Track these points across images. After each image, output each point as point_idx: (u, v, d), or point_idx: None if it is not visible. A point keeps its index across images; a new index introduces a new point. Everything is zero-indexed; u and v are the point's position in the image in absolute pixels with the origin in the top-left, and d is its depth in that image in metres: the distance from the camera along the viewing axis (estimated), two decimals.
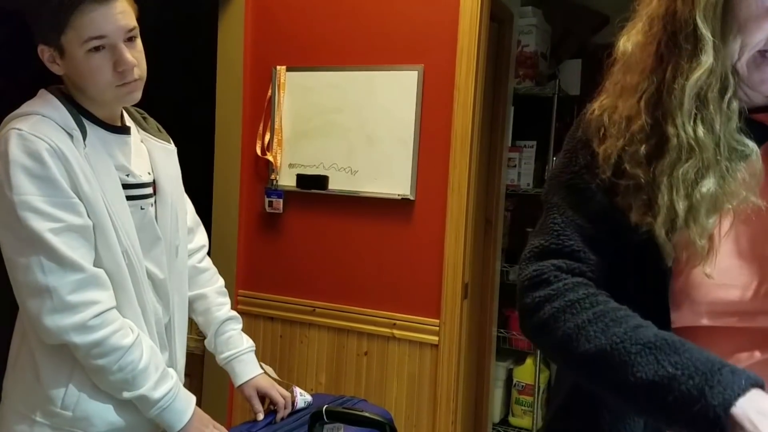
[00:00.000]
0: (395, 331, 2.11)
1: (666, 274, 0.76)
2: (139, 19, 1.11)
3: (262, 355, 2.32)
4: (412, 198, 2.06)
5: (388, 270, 2.12)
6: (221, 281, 1.45)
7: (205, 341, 1.39)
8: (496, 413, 2.85)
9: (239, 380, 1.36)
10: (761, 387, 0.62)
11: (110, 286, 1.07)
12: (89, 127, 1.09)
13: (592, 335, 0.72)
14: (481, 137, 2.16)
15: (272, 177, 2.23)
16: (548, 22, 2.89)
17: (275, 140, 2.21)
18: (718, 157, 0.72)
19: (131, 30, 1.07)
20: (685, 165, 0.72)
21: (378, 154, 2.08)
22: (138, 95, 1.13)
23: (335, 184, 2.15)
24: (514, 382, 2.85)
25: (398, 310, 2.11)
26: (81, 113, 1.09)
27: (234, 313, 1.41)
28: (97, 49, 1.04)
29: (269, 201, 2.24)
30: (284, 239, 2.27)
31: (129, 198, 1.12)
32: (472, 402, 2.66)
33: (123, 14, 1.06)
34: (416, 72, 2.02)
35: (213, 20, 2.29)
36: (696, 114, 0.72)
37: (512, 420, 2.86)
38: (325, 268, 2.21)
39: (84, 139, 1.06)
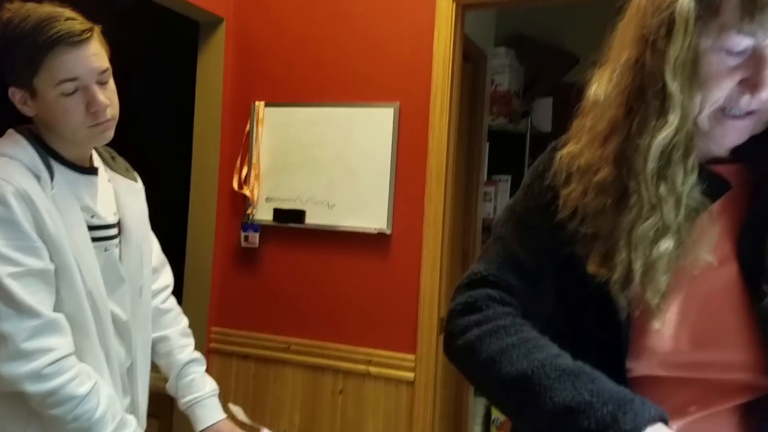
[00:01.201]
0: (371, 368, 2.08)
1: (619, 327, 0.76)
2: (111, 59, 1.12)
3: (234, 395, 2.27)
4: (388, 232, 2.06)
5: (364, 305, 2.11)
6: (185, 321, 1.42)
7: (167, 385, 1.36)
8: None
9: (200, 426, 1.32)
10: (666, 422, 0.65)
11: (69, 332, 1.05)
12: (57, 168, 1.09)
13: (515, 359, 0.73)
14: (456, 172, 2.20)
15: (249, 211, 2.22)
16: (521, 63, 2.98)
17: (253, 174, 2.21)
18: (678, 217, 0.72)
19: (104, 71, 1.08)
20: (645, 224, 0.72)
21: (355, 188, 2.10)
22: (110, 134, 1.13)
23: (312, 219, 2.15)
24: (493, 418, 2.83)
25: (374, 346, 2.09)
26: (49, 154, 1.09)
27: (197, 354, 1.38)
28: (69, 91, 1.05)
29: (245, 235, 2.22)
30: (260, 274, 2.24)
31: (94, 239, 1.11)
32: None
33: (95, 56, 1.07)
34: (392, 109, 2.06)
35: (193, 56, 2.31)
36: (659, 173, 0.71)
37: None
38: (301, 303, 2.19)
39: (51, 180, 1.06)
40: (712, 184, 0.75)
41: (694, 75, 0.70)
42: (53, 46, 1.02)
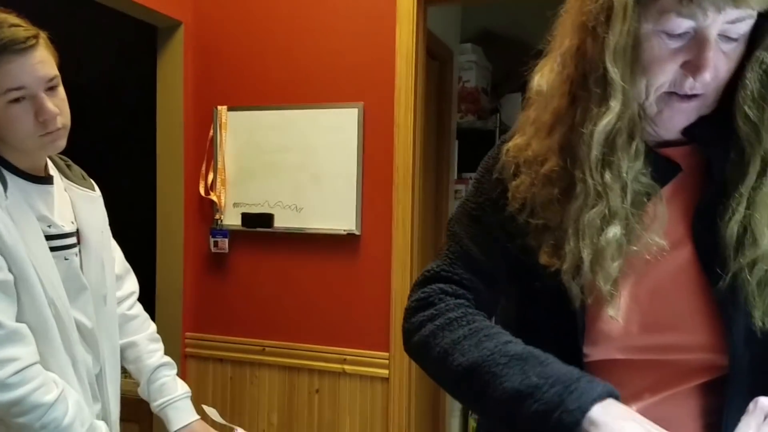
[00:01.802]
0: (346, 367, 2.10)
1: (574, 314, 0.77)
2: (60, 66, 1.10)
3: (213, 398, 2.28)
4: (357, 233, 2.08)
5: (336, 305, 2.12)
6: (153, 327, 1.42)
7: (138, 389, 1.36)
8: None
9: (173, 427, 1.33)
10: (616, 397, 0.66)
11: (32, 341, 1.05)
12: (9, 178, 1.08)
13: (466, 349, 0.75)
14: (425, 171, 2.22)
15: (217, 217, 2.22)
16: (488, 59, 3.01)
17: (219, 180, 2.21)
18: (624, 203, 0.72)
19: (52, 79, 1.07)
20: (591, 211, 0.72)
21: (322, 190, 2.11)
22: (62, 143, 1.12)
23: (281, 222, 2.16)
24: (470, 411, 2.86)
25: (348, 345, 2.11)
26: (1, 164, 1.08)
27: (167, 359, 1.38)
28: (17, 99, 1.03)
29: (214, 241, 2.22)
30: (231, 279, 2.25)
31: (52, 249, 1.11)
32: None
33: (42, 64, 1.05)
34: (356, 109, 2.07)
35: (152, 61, 2.30)
36: (603, 160, 0.71)
37: None
38: (274, 306, 2.20)
39: (5, 191, 1.05)
40: (661, 167, 0.75)
41: (636, 60, 0.69)
42: None
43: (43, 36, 1.08)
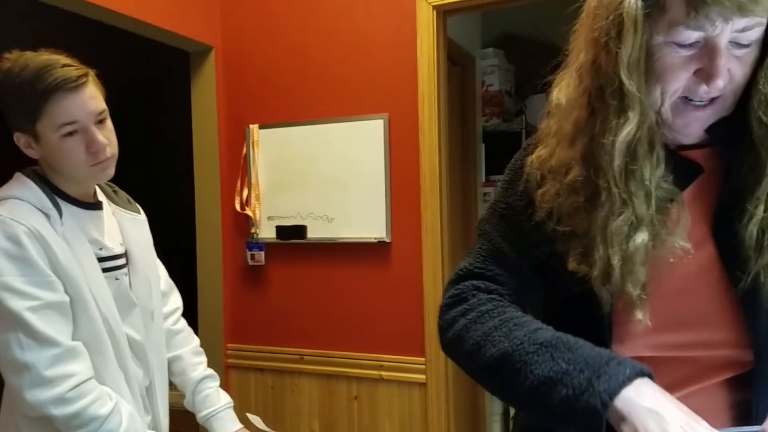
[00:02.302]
0: (383, 373, 2.14)
1: (601, 317, 0.79)
2: (107, 100, 1.18)
3: (255, 407, 2.34)
4: (388, 240, 2.12)
5: (371, 312, 2.17)
6: (196, 341, 1.49)
7: (185, 401, 1.43)
8: None
9: None
10: (648, 376, 0.67)
11: (87, 358, 1.11)
12: (63, 205, 1.15)
13: (497, 340, 0.76)
14: (452, 176, 2.25)
15: (252, 231, 2.29)
16: (510, 62, 3.02)
17: (253, 195, 2.29)
18: (649, 209, 0.74)
19: (101, 113, 1.14)
20: (619, 219, 0.74)
21: (352, 200, 2.16)
22: (111, 172, 1.19)
23: (313, 233, 2.22)
24: (512, 414, 2.85)
25: (384, 351, 2.15)
26: (55, 193, 1.15)
27: (210, 371, 1.45)
28: (70, 133, 1.11)
29: (251, 254, 2.30)
30: (268, 290, 2.32)
31: (104, 270, 1.17)
32: None
33: (92, 99, 1.13)
34: (382, 120, 2.12)
35: (187, 87, 2.40)
36: (626, 169, 0.73)
37: None
38: (310, 315, 2.25)
39: (60, 217, 1.12)
40: (683, 169, 0.77)
41: (650, 70, 0.71)
42: (52, 93, 1.07)
43: (91, 74, 1.15)
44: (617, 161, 0.73)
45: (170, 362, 1.41)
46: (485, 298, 0.84)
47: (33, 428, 1.12)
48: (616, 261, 0.74)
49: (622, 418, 0.64)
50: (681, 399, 0.77)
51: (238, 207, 2.32)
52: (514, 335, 0.76)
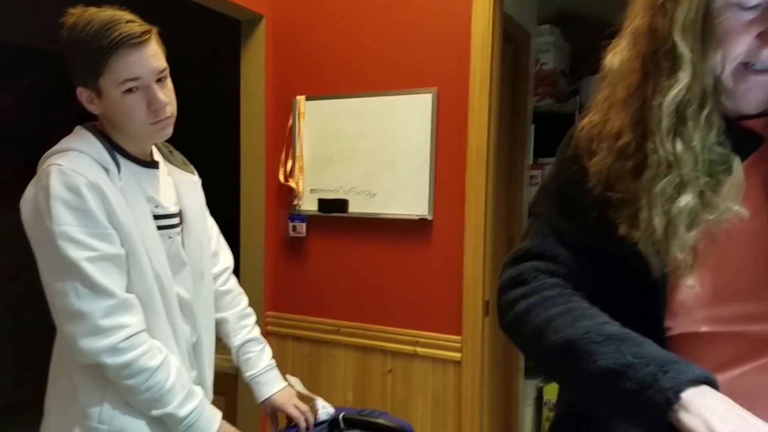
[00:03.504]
0: (418, 349, 2.15)
1: (656, 286, 0.78)
2: (167, 59, 1.19)
3: (291, 373, 2.38)
4: (430, 218, 2.10)
5: (409, 288, 2.17)
6: (244, 302, 1.51)
7: (232, 360, 1.48)
8: (524, 430, 2.82)
9: (259, 398, 1.43)
10: (713, 383, 0.64)
11: (140, 311, 1.14)
12: (122, 161, 1.17)
13: (561, 327, 0.75)
14: (499, 156, 2.20)
15: (295, 202, 2.31)
16: (566, 40, 2.91)
17: (297, 167, 2.30)
18: (697, 173, 0.73)
19: (162, 71, 1.15)
20: (663, 181, 0.73)
21: (395, 176, 2.15)
22: (170, 131, 1.20)
23: (355, 207, 2.22)
24: (545, 400, 2.83)
25: (420, 328, 2.15)
26: (114, 148, 1.17)
27: (255, 333, 1.48)
28: (131, 90, 1.12)
29: (293, 225, 2.32)
30: (308, 262, 2.34)
31: (158, 228, 1.20)
32: (501, 420, 2.65)
33: (154, 57, 1.14)
34: (431, 95, 2.08)
35: (236, 55, 2.41)
36: (674, 130, 0.73)
37: None
38: (348, 288, 2.27)
39: (119, 172, 1.15)
40: (743, 139, 0.75)
41: (710, 34, 0.71)
42: (116, 48, 1.08)
43: (154, 31, 1.16)
44: (665, 122, 0.73)
45: (217, 323, 1.45)
46: (548, 282, 0.83)
47: (84, 377, 1.16)
48: (657, 222, 0.73)
49: (687, 413, 0.61)
50: (736, 378, 0.76)
51: (281, 178, 2.34)
52: (579, 324, 0.75)
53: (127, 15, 1.13)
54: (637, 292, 0.80)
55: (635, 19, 0.77)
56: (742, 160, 0.75)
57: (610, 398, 0.68)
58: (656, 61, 0.73)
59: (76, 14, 1.12)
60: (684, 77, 0.71)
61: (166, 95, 1.16)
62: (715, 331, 0.77)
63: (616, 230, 0.78)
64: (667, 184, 0.73)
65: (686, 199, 0.73)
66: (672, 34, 0.71)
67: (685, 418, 0.61)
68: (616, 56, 0.80)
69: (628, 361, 0.67)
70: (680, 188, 0.73)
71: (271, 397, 1.43)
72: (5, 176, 3.50)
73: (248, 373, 1.44)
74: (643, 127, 0.75)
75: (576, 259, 0.86)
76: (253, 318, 1.50)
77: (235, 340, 1.45)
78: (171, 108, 1.17)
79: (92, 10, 1.12)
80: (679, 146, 0.73)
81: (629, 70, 0.77)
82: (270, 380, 1.45)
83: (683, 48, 0.71)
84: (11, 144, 3.54)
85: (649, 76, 0.75)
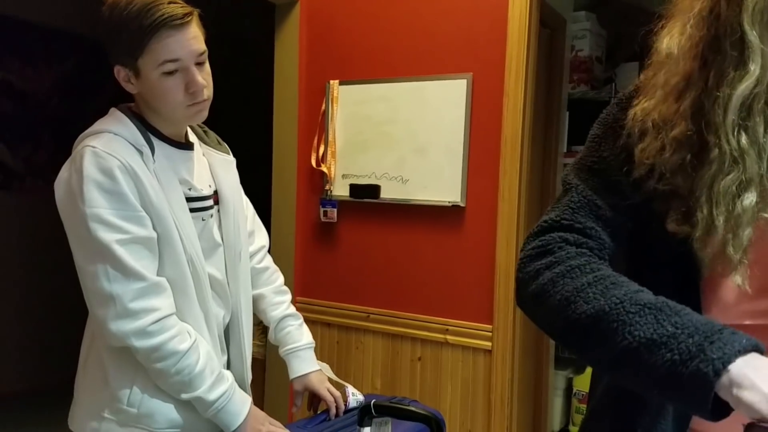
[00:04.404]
0: (448, 337, 2.13)
1: (695, 282, 0.76)
2: (206, 42, 1.17)
3: (319, 359, 2.39)
4: (462, 205, 2.08)
5: (439, 276, 2.15)
6: (280, 279, 1.52)
7: (269, 336, 1.48)
8: (556, 422, 2.80)
9: (292, 374, 1.43)
10: (761, 351, 0.61)
11: (170, 294, 1.14)
12: (156, 143, 1.16)
13: (591, 297, 0.71)
14: (532, 143, 2.16)
15: (327, 188, 2.31)
16: (602, 26, 2.85)
17: (329, 152, 2.30)
18: (761, 168, 0.70)
19: (201, 54, 1.14)
20: (727, 178, 0.70)
21: (428, 162, 2.13)
22: (205, 114, 1.19)
23: (387, 193, 2.20)
24: (574, 391, 2.80)
25: (451, 316, 2.14)
26: (149, 130, 1.17)
27: (292, 309, 1.48)
28: (170, 72, 1.11)
29: (324, 211, 2.32)
30: (339, 248, 2.34)
31: (191, 210, 1.19)
32: (530, 410, 2.63)
33: (195, 39, 1.12)
34: (465, 80, 2.05)
35: (270, 39, 2.41)
36: (740, 125, 0.69)
37: (572, 429, 2.80)
38: (379, 275, 2.26)
39: (152, 155, 1.14)
40: None
41: None
42: (157, 29, 1.07)
43: (196, 13, 1.14)
44: (731, 116, 0.69)
45: (254, 300, 1.44)
46: (574, 251, 0.78)
47: (115, 360, 1.17)
48: (720, 222, 0.70)
49: (739, 386, 0.58)
50: None
51: (313, 163, 2.34)
52: (611, 293, 0.70)
53: None
54: (672, 286, 0.76)
55: (695, 3, 0.73)
56: None
57: (647, 371, 0.64)
58: (720, 48, 0.70)
59: None
60: (755, 69, 0.67)
61: (204, 78, 1.15)
62: (752, 324, 0.75)
63: (658, 222, 0.76)
64: (731, 182, 0.70)
65: (750, 198, 0.70)
66: (741, 22, 0.67)
67: (740, 392, 0.58)
68: (672, 41, 0.76)
69: (669, 331, 0.63)
70: (744, 186, 0.70)
71: (307, 375, 1.42)
72: (41, 160, 3.57)
73: (288, 347, 1.43)
74: (703, 118, 0.71)
75: (608, 236, 0.81)
76: (289, 295, 1.51)
77: (275, 314, 1.45)
78: (208, 91, 1.16)
79: None
80: (744, 141, 0.69)
81: (687, 57, 0.74)
82: (308, 358, 1.44)
83: (753, 37, 0.67)
84: (47, 128, 3.60)
85: (708, 64, 0.71)
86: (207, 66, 1.17)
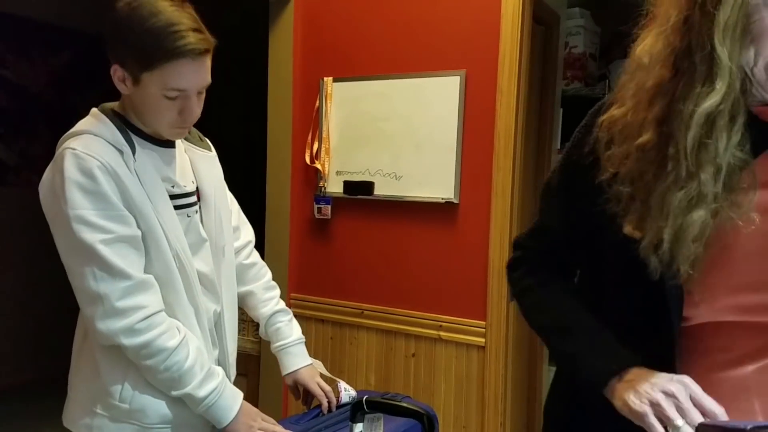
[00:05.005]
0: (442, 333, 2.14)
1: (663, 282, 0.77)
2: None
3: (314, 356, 2.40)
4: (456, 201, 2.09)
5: (433, 272, 2.16)
6: (268, 275, 1.52)
7: (259, 332, 1.48)
8: None
9: (284, 370, 1.43)
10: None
11: (158, 291, 1.15)
12: (138, 142, 1.17)
13: (532, 318, 0.98)
14: (526, 140, 2.17)
15: (320, 184, 2.31)
16: (597, 23, 2.85)
17: (323, 149, 2.30)
18: (716, 185, 0.71)
19: (206, 85, 1.15)
20: (680, 192, 0.71)
21: (422, 158, 2.13)
22: (186, 133, 1.23)
23: (380, 190, 2.21)
24: None
25: (444, 312, 2.14)
26: (131, 129, 1.17)
27: (282, 305, 1.48)
28: (173, 97, 1.11)
29: (318, 207, 2.32)
30: (333, 244, 2.35)
31: (176, 207, 1.19)
32: (524, 406, 2.64)
33: (206, 72, 1.12)
34: (459, 77, 2.06)
35: (264, 35, 2.40)
36: (701, 140, 0.70)
37: None
38: (373, 271, 2.27)
39: (133, 154, 1.14)
40: (762, 131, 0.73)
41: (745, 33, 0.68)
42: (176, 57, 1.06)
43: (213, 45, 1.12)
44: (692, 131, 0.69)
45: (243, 297, 1.45)
46: (526, 270, 1.01)
47: (106, 355, 1.17)
48: (667, 234, 0.72)
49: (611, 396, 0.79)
50: (759, 369, 0.76)
51: (307, 160, 2.34)
52: (540, 318, 0.96)
53: (191, 18, 1.09)
54: (646, 285, 0.78)
55: (670, 11, 0.73)
56: (760, 150, 0.73)
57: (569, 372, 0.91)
58: (690, 60, 0.70)
59: None
60: (721, 87, 0.68)
61: (199, 105, 1.15)
62: (739, 321, 0.76)
63: (617, 226, 0.78)
64: (683, 197, 0.71)
65: (699, 214, 0.71)
66: (712, 37, 0.67)
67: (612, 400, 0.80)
68: (646, 49, 0.76)
69: (569, 351, 0.89)
70: (695, 203, 0.71)
71: (298, 370, 1.42)
72: (36, 152, 3.57)
73: (278, 343, 1.44)
74: (667, 128, 0.72)
75: (560, 251, 0.97)
76: (278, 290, 1.51)
77: (264, 311, 1.45)
78: (197, 116, 1.17)
79: None
80: (703, 158, 0.70)
81: (659, 65, 0.74)
82: (299, 353, 1.45)
83: (722, 54, 0.67)
84: (42, 121, 3.60)
85: (679, 74, 0.72)
86: (204, 93, 1.17)
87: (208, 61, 1.12)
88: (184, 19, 1.08)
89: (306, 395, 1.45)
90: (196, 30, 1.08)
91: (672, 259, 0.73)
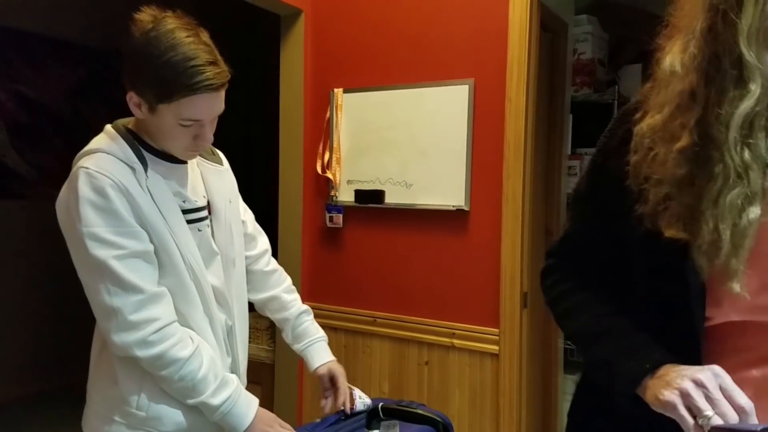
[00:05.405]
0: (455, 341, 2.14)
1: (692, 285, 0.78)
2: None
3: None
4: (466, 209, 2.09)
5: (445, 280, 2.16)
6: (288, 279, 1.55)
7: (283, 334, 1.51)
8: (564, 426, 2.79)
9: (317, 363, 1.46)
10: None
11: (170, 302, 1.17)
12: (149, 158, 1.19)
13: (564, 324, 0.99)
14: (536, 146, 2.17)
15: (332, 193, 2.33)
16: (604, 29, 2.86)
17: (334, 158, 2.32)
18: (765, 182, 0.72)
19: (220, 113, 1.17)
20: (733, 192, 0.72)
21: (432, 167, 2.14)
22: (197, 155, 1.26)
23: (391, 198, 2.22)
24: None
25: (457, 320, 2.14)
26: (142, 146, 1.19)
27: (304, 306, 1.52)
28: (187, 125, 1.14)
29: (330, 216, 2.34)
30: (345, 252, 2.36)
31: (187, 221, 1.22)
32: (539, 414, 2.62)
33: (221, 102, 1.14)
34: (467, 86, 2.07)
35: (263, 36, 2.44)
36: (743, 141, 0.71)
37: None
38: (385, 279, 2.28)
39: (145, 171, 1.16)
40: None
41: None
42: (194, 92, 1.07)
43: (229, 77, 1.14)
44: (733, 133, 0.70)
45: (266, 302, 1.48)
46: (561, 277, 1.01)
47: (123, 365, 1.19)
48: (727, 235, 0.72)
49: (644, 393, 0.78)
50: None
51: (319, 169, 2.36)
52: (572, 324, 0.97)
53: (208, 52, 1.10)
54: (677, 286, 0.79)
55: (693, 21, 0.74)
56: None
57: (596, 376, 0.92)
58: (719, 66, 0.71)
59: (155, 22, 1.08)
60: (755, 89, 0.69)
61: (212, 131, 1.18)
62: (756, 321, 0.76)
63: (659, 231, 0.78)
64: (736, 196, 0.72)
65: (755, 211, 0.72)
66: (738, 43, 0.69)
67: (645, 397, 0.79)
68: (675, 58, 0.77)
69: (601, 356, 0.89)
70: (749, 200, 0.72)
71: (331, 361, 1.47)
72: (52, 165, 3.64)
73: (307, 340, 1.47)
74: (707, 133, 0.73)
75: (611, 248, 0.91)
76: (297, 293, 1.55)
77: (290, 313, 1.48)
78: (211, 141, 1.20)
79: (171, 24, 1.08)
80: (748, 157, 0.71)
81: (689, 73, 0.75)
82: (326, 348, 1.49)
83: (750, 57, 0.69)
84: (58, 135, 3.67)
85: (710, 81, 0.73)
86: (216, 118, 1.19)
87: (222, 93, 1.14)
88: (201, 53, 1.08)
89: (328, 390, 1.46)
90: (212, 63, 1.09)
91: (727, 258, 0.73)
